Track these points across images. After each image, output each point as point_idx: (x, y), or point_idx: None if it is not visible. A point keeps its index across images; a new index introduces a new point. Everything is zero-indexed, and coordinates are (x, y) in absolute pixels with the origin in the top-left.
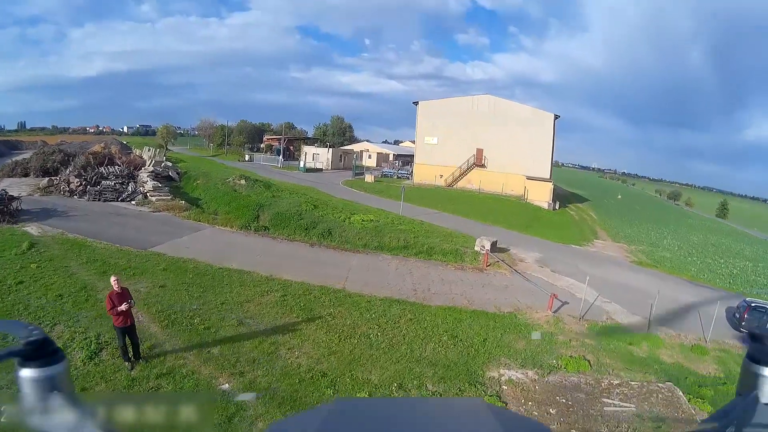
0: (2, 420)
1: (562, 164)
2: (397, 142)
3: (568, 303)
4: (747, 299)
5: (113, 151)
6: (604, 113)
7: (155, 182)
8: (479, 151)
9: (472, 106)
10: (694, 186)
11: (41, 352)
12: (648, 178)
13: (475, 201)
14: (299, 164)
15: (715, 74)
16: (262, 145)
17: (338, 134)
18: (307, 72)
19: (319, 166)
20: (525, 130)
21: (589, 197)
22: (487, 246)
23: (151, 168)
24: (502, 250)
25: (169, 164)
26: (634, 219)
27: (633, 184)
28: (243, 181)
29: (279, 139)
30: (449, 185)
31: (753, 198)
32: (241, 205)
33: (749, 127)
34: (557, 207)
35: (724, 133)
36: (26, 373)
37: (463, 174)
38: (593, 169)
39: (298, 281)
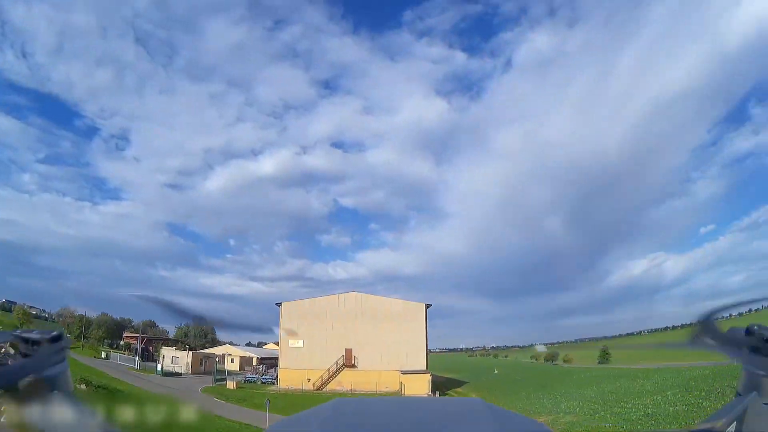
0: (2, 420)
1: (431, 350)
2: (261, 344)
3: None
4: None
5: None
6: (468, 294)
7: None
8: (348, 351)
9: (338, 305)
10: (567, 342)
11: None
12: (518, 346)
13: None
14: (157, 367)
15: (573, 235)
16: (121, 342)
17: (200, 336)
18: (173, 271)
19: (178, 369)
20: (397, 323)
21: (466, 379)
22: None
23: None
24: None
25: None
26: (519, 391)
27: (506, 356)
28: (84, 386)
29: (138, 338)
30: (318, 389)
31: (628, 334)
32: None
33: (611, 274)
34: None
35: (589, 286)
36: None
37: (332, 376)
38: (461, 349)
39: None
